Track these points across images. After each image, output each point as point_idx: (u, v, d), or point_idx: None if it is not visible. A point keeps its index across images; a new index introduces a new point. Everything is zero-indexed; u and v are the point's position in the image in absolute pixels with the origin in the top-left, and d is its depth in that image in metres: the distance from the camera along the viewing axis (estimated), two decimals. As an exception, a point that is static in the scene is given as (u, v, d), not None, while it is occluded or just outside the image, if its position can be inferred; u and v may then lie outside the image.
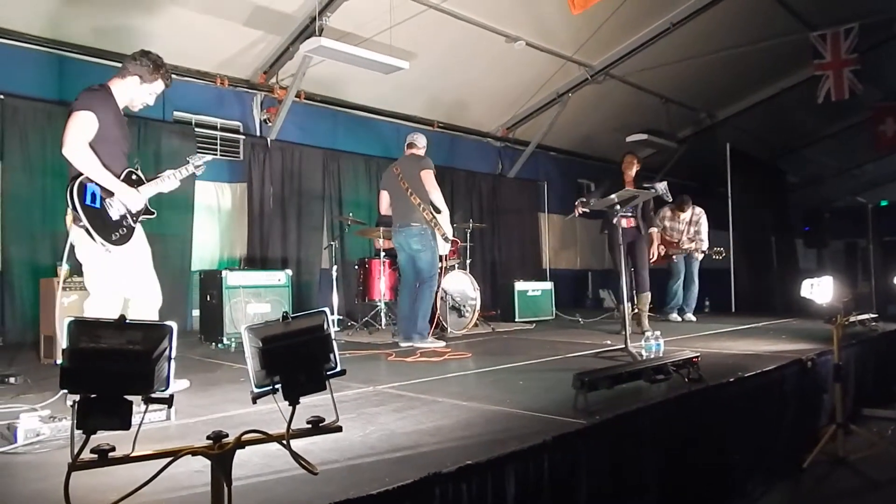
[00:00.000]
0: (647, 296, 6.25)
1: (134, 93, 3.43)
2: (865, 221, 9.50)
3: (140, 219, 3.45)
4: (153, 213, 3.55)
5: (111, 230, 3.26)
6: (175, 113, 7.05)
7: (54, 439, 2.38)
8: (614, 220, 5.70)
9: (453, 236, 7.10)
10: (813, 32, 8.69)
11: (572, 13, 6.08)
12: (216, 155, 7.18)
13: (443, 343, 5.49)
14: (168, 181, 3.57)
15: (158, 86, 3.48)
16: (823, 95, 8.80)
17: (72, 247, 3.30)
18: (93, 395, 1.29)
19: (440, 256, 5.65)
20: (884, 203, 13.41)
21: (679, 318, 7.68)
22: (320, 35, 6.20)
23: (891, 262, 9.72)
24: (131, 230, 3.37)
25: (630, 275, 6.18)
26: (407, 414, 2.79)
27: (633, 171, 6.27)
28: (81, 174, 3.19)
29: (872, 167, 14.89)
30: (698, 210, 7.95)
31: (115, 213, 3.30)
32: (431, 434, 2.42)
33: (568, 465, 2.29)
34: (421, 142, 5.74)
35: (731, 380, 3.41)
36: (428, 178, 5.44)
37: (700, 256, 7.78)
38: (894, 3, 8.60)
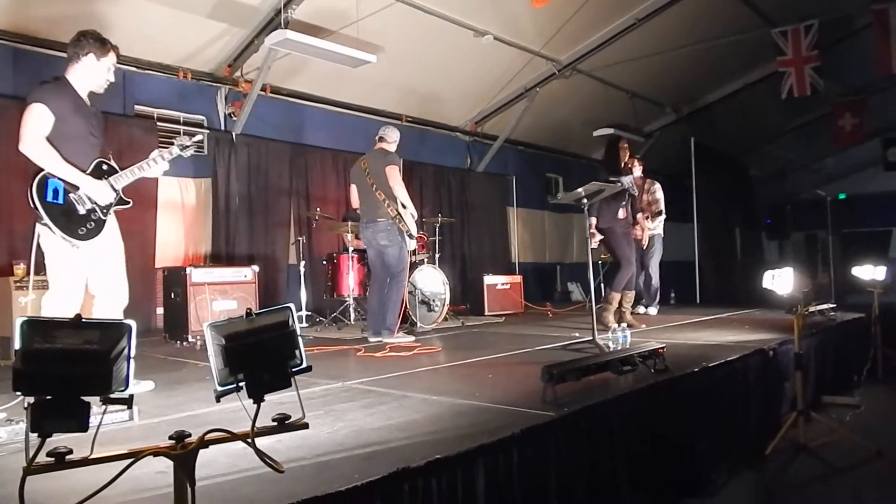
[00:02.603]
0: (633, 294, 6.23)
1: (95, 72, 3.31)
2: (825, 214, 9.75)
3: (113, 210, 3.35)
4: (129, 203, 3.42)
5: (77, 225, 3.16)
6: (136, 107, 6.89)
7: (10, 443, 2.31)
8: (619, 214, 5.70)
9: (421, 231, 7.11)
10: (774, 29, 8.89)
11: (534, 6, 6.08)
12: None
13: (412, 338, 5.48)
14: (152, 166, 3.43)
15: (112, 58, 3.36)
16: (787, 91, 9.01)
17: (38, 243, 3.18)
18: (48, 397, 1.25)
19: (409, 252, 5.63)
20: (842, 196, 13.81)
21: (642, 311, 7.39)
22: (286, 28, 6.11)
23: (849, 254, 10.01)
24: (101, 223, 3.27)
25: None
26: (376, 409, 2.78)
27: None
28: (42, 170, 3.10)
29: (832, 161, 15.31)
30: (650, 181, 7.50)
31: (81, 207, 3.19)
32: (401, 429, 2.41)
33: (537, 457, 2.31)
34: (391, 136, 5.65)
35: (696, 370, 3.47)
36: (392, 174, 5.38)
37: (659, 232, 7.41)
38: (849, 1, 8.85)
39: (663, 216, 7.43)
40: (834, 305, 6.01)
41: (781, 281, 4.07)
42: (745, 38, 9.13)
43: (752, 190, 15.15)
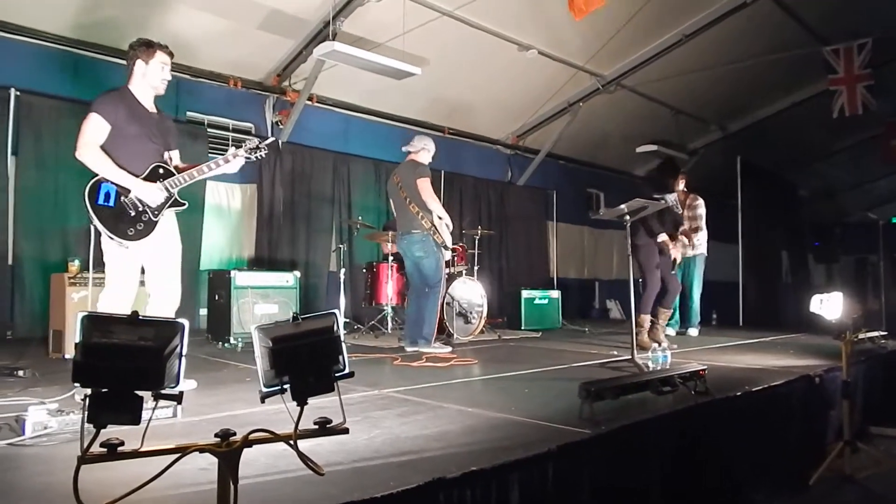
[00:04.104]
0: (670, 312, 6.16)
1: (147, 75, 3.47)
2: (876, 237, 9.43)
3: (165, 211, 3.45)
4: (184, 205, 3.55)
5: (127, 226, 3.31)
6: (188, 113, 7.10)
7: (61, 433, 2.39)
8: (658, 233, 5.64)
9: (459, 243, 7.13)
10: (826, 47, 8.68)
11: (575, 19, 6.06)
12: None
13: (448, 348, 5.48)
14: (212, 169, 3.53)
15: (160, 56, 3.49)
16: (838, 110, 8.78)
17: (95, 241, 3.38)
18: (104, 390, 1.30)
19: (446, 262, 5.62)
20: (895, 220, 13.34)
21: (673, 333, 7.09)
22: (334, 39, 6.23)
23: (901, 279, 9.67)
24: (152, 224, 3.40)
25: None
26: (412, 419, 2.79)
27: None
28: (97, 174, 3.29)
29: (885, 183, 14.84)
30: (692, 196, 7.24)
31: (132, 209, 3.34)
32: (436, 439, 2.42)
33: (572, 474, 2.29)
34: (416, 144, 5.61)
35: (738, 393, 3.40)
36: (423, 186, 5.36)
37: (702, 251, 7.20)
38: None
39: (703, 232, 7.22)
40: (885, 333, 5.79)
41: (830, 305, 3.97)
42: (794, 55, 8.94)
43: (800, 211, 14.76)
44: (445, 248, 5.49)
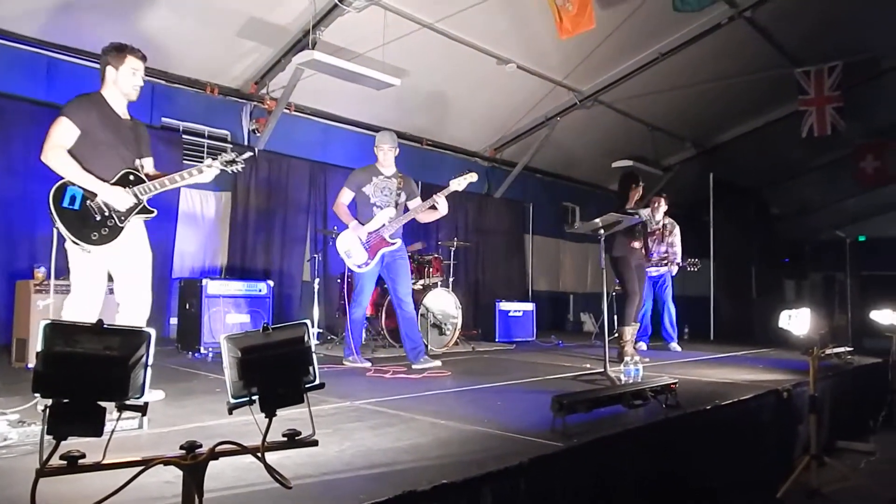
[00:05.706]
0: (637, 326, 6.23)
1: (118, 81, 3.41)
2: (844, 255, 9.64)
3: (131, 218, 3.39)
4: (153, 212, 3.49)
5: (91, 231, 3.26)
6: (163, 119, 7.01)
7: (22, 444, 2.33)
8: (635, 244, 5.67)
9: (436, 254, 7.12)
10: (798, 69, 8.90)
11: (560, 38, 6.13)
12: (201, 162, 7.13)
13: (368, 363, 5.25)
14: (185, 178, 3.47)
15: (131, 62, 3.42)
16: (807, 130, 8.99)
17: (59, 247, 3.29)
18: (65, 400, 1.27)
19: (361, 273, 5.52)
20: (862, 238, 13.66)
21: (645, 347, 7.11)
22: (313, 48, 6.22)
23: (868, 297, 9.87)
24: (117, 230, 3.34)
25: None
26: (384, 431, 2.77)
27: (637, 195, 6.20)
28: (62, 178, 3.24)
29: (854, 202, 15.16)
30: (669, 221, 7.41)
31: (97, 213, 3.28)
32: (408, 452, 2.40)
33: (545, 487, 2.28)
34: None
35: (708, 407, 3.43)
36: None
37: (675, 270, 7.36)
38: (877, 42, 8.85)
39: (678, 264, 7.37)
40: (851, 349, 5.92)
41: (798, 321, 4.03)
42: (768, 75, 9.14)
43: (771, 227, 15.03)
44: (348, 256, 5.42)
